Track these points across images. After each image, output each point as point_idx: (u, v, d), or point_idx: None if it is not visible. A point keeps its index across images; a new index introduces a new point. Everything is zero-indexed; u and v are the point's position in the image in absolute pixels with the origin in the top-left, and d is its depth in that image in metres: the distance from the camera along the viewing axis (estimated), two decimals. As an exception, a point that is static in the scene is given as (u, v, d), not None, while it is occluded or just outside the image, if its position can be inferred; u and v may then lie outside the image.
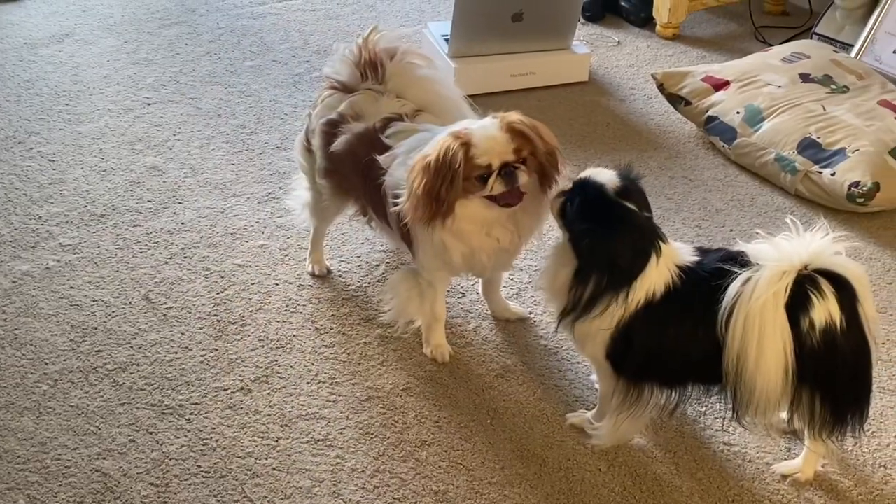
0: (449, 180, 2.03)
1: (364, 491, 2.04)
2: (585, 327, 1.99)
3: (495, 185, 2.07)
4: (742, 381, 1.85)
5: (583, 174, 1.99)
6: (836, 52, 3.59)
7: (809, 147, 3.04)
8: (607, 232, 1.93)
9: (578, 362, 2.38)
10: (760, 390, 1.84)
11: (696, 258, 1.97)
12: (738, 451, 2.15)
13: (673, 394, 2.02)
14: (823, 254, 1.85)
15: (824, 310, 1.82)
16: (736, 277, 1.84)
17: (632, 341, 1.96)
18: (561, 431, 2.20)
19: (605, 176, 1.96)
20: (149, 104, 3.47)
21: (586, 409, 2.22)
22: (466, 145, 2.05)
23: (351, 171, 2.35)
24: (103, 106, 3.44)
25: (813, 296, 1.82)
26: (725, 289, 1.84)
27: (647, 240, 1.94)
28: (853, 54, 3.69)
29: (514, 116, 2.11)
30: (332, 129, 2.38)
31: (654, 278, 1.93)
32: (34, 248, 2.71)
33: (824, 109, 3.16)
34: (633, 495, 2.05)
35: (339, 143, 2.34)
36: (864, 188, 2.89)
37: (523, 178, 2.09)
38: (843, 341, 1.84)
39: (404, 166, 2.16)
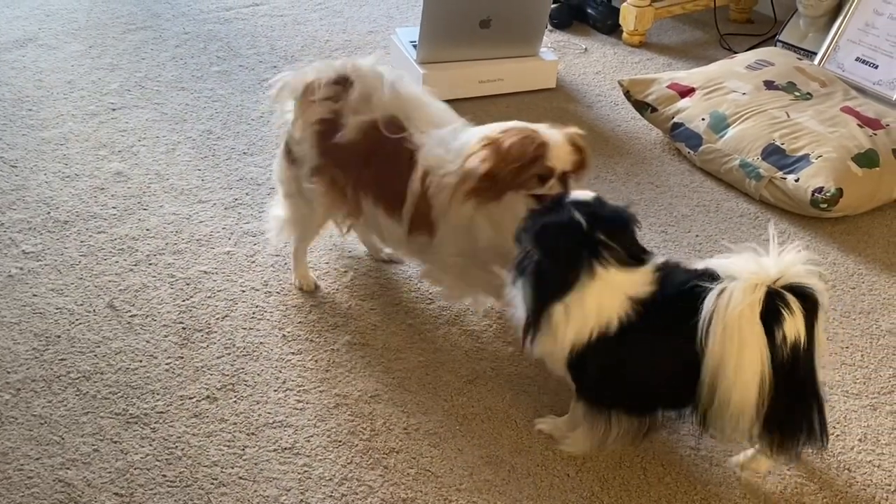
0: (517, 169, 2.15)
1: (332, 499, 2.03)
2: (541, 346, 1.99)
3: (553, 187, 2.18)
4: (717, 393, 1.83)
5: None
6: (800, 59, 3.63)
7: (773, 153, 3.08)
8: (541, 233, 1.95)
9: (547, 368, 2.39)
10: (735, 403, 1.83)
11: (653, 289, 1.92)
12: (705, 456, 2.17)
13: (642, 421, 2.03)
14: (795, 270, 1.84)
15: (793, 325, 1.81)
16: (709, 291, 1.82)
17: (587, 369, 1.97)
18: (530, 437, 2.20)
19: (577, 193, 2.00)
20: (113, 109, 3.43)
21: (556, 416, 2.22)
22: (544, 146, 2.17)
23: (353, 161, 2.36)
24: (67, 111, 3.41)
25: (783, 311, 1.81)
26: (694, 311, 1.83)
27: (578, 254, 1.91)
28: (816, 62, 3.74)
29: (577, 132, 2.25)
30: (327, 125, 2.37)
31: (603, 307, 1.91)
32: (-4, 256, 2.68)
33: (788, 116, 3.19)
34: (601, 500, 2.05)
35: (344, 133, 2.34)
36: (828, 194, 2.92)
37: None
38: (806, 358, 1.85)
39: (443, 148, 2.26)
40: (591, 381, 2.01)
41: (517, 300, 2.02)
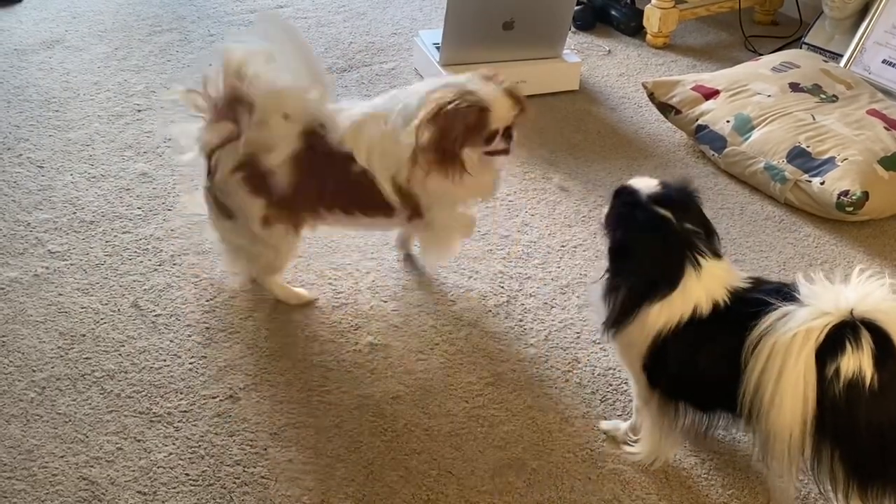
0: (462, 137, 2.22)
1: (353, 500, 2.03)
2: (626, 337, 1.94)
3: (499, 145, 2.30)
4: (758, 415, 1.77)
5: (624, 182, 1.96)
6: (826, 61, 3.61)
7: (799, 156, 3.06)
8: (633, 238, 1.89)
9: (569, 370, 2.38)
10: (772, 424, 1.76)
11: (748, 286, 1.90)
12: (728, 461, 2.15)
13: (704, 418, 1.98)
14: (872, 302, 1.73)
15: (855, 361, 1.68)
16: (775, 308, 1.77)
17: (667, 354, 1.90)
18: (550, 440, 2.19)
19: (642, 183, 1.92)
20: (139, 111, 3.46)
21: (623, 420, 2.21)
22: (486, 111, 2.23)
23: (308, 193, 2.30)
24: (93, 112, 3.44)
25: (848, 344, 1.69)
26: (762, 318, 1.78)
27: (680, 251, 1.86)
28: (842, 64, 3.71)
29: (512, 85, 2.32)
30: (253, 171, 2.27)
31: (699, 295, 1.86)
32: (23, 255, 2.70)
33: (813, 119, 3.17)
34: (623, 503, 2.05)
35: (283, 177, 2.27)
36: (854, 197, 2.90)
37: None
38: (873, 402, 1.70)
39: (406, 132, 2.23)
40: (668, 366, 1.93)
41: (598, 298, 1.96)
